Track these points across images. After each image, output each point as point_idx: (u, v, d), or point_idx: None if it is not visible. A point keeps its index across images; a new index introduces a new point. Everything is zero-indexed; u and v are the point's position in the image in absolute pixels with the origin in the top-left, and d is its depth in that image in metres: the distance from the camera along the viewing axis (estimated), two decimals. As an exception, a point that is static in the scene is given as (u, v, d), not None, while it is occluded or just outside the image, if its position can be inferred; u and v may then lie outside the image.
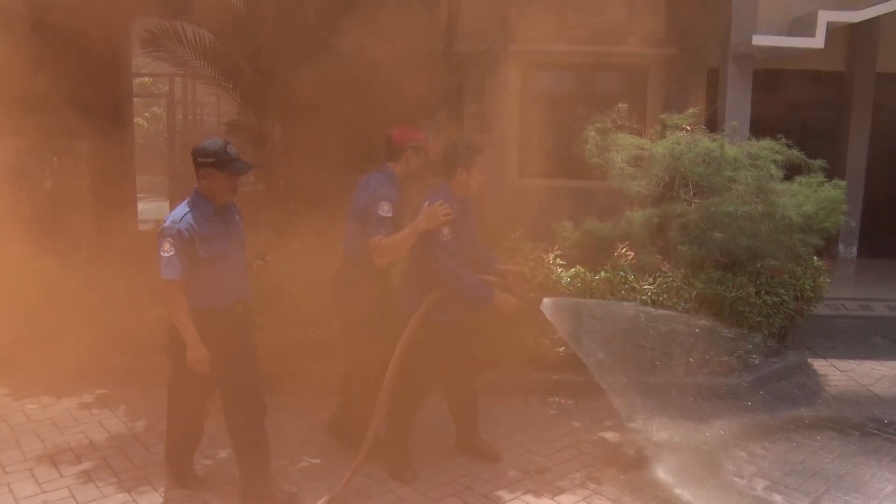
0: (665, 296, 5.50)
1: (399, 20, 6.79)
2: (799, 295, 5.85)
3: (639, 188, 5.81)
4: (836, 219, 5.76)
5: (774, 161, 5.66)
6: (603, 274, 5.66)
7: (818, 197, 5.66)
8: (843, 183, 6.15)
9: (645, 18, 11.23)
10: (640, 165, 5.89)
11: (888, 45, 10.62)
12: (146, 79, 18.58)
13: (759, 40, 7.85)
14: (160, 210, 12.23)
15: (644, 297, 5.46)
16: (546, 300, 4.16)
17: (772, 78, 10.23)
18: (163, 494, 4.03)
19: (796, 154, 5.84)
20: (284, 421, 4.89)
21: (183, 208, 3.63)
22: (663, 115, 6.25)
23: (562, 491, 4.16)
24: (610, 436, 4.95)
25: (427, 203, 3.96)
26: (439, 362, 4.20)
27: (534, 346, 5.45)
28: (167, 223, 3.59)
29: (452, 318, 4.08)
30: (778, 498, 4.16)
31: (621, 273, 5.66)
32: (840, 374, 6.33)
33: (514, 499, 4.05)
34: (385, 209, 3.93)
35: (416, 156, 4.19)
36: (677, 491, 4.18)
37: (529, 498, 4.08)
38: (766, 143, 5.78)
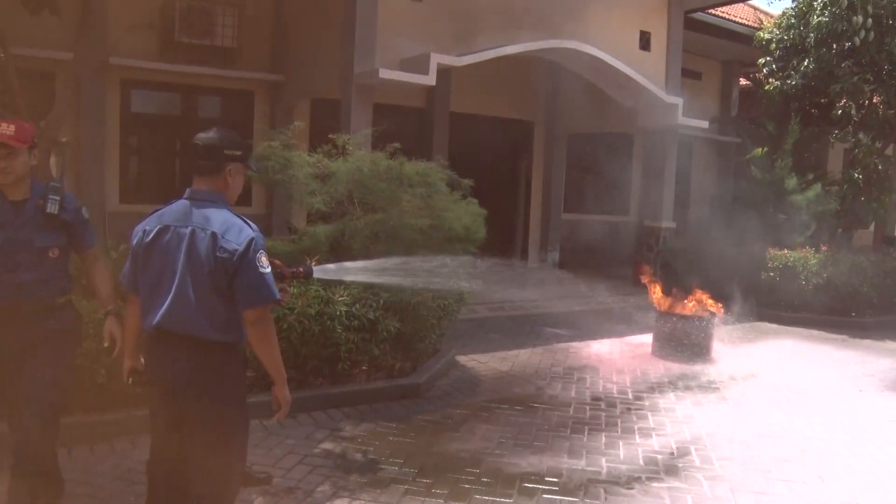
0: (357, 305, 5.77)
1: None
2: (458, 298, 6.66)
3: (319, 204, 5.99)
4: (482, 230, 6.72)
5: (442, 179, 6.38)
6: (294, 290, 5.68)
7: (470, 211, 6.53)
8: (475, 201, 7.17)
9: (254, 45, 11.42)
10: (321, 182, 6.07)
11: (457, 89, 12.58)
12: None
13: (385, 74, 8.64)
14: None
15: (341, 308, 5.65)
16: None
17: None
18: None
19: (451, 175, 6.65)
20: None
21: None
22: (333, 136, 6.53)
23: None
24: (330, 446, 5.03)
25: None
26: None
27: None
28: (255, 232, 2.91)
29: None
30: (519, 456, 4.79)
31: (312, 287, 5.76)
32: (482, 364, 7.37)
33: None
34: None
35: None
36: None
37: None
38: (432, 164, 6.48)
